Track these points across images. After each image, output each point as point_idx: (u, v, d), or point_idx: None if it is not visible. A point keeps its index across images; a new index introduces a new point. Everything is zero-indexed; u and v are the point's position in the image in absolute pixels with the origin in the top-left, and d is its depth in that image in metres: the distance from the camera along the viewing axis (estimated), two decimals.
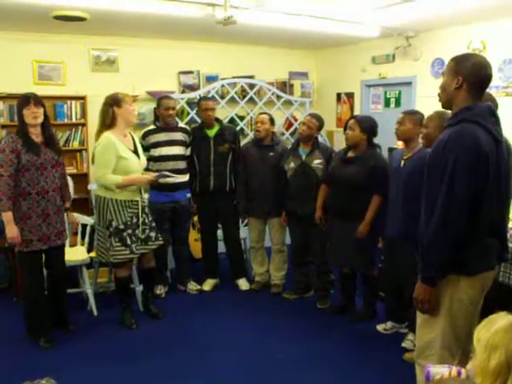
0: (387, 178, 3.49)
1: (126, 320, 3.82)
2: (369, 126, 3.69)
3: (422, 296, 2.13)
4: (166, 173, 3.92)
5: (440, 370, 1.51)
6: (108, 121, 3.54)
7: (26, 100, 3.28)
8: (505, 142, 2.17)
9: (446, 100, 2.16)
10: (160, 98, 4.33)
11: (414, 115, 3.38)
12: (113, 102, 3.54)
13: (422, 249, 2.11)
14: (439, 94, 2.20)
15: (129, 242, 3.63)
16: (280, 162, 4.22)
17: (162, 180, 3.92)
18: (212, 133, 4.39)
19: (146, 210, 3.79)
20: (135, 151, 3.66)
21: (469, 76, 2.05)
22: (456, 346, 2.15)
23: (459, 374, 1.45)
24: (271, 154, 4.33)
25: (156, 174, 3.83)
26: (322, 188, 3.97)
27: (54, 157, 3.42)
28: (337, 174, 3.78)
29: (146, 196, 3.95)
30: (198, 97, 5.38)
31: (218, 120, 4.48)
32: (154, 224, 3.82)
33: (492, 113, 2.09)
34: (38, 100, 3.31)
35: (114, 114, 3.53)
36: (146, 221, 3.75)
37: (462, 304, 2.11)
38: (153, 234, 3.78)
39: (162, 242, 3.91)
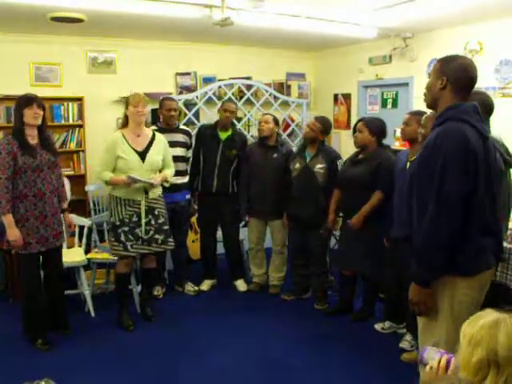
0: (392, 177, 3.49)
1: (123, 321, 3.81)
2: (377, 128, 3.70)
3: (417, 298, 2.12)
4: (136, 177, 3.60)
5: (433, 356, 1.52)
6: (123, 121, 3.81)
7: (28, 100, 3.28)
8: (497, 141, 2.18)
9: (431, 100, 2.18)
10: (162, 99, 4.37)
11: (419, 116, 3.35)
12: (125, 105, 3.76)
13: (416, 250, 2.10)
14: (425, 94, 2.22)
15: (123, 238, 3.65)
16: (287, 162, 4.24)
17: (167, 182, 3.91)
18: (224, 136, 4.42)
19: (157, 212, 3.78)
20: (143, 152, 3.69)
21: (453, 77, 2.07)
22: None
23: (448, 363, 1.45)
24: (275, 155, 4.34)
25: (128, 176, 3.60)
26: (335, 192, 3.97)
27: (51, 158, 3.42)
28: (345, 175, 3.80)
29: (160, 197, 3.86)
30: (196, 98, 5.42)
31: (232, 124, 4.51)
32: (165, 227, 3.81)
33: (476, 111, 2.09)
34: (40, 102, 3.33)
35: (126, 114, 3.73)
36: (153, 222, 3.75)
37: (462, 305, 2.08)
38: (159, 237, 3.77)
39: (170, 247, 3.91)
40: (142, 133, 3.75)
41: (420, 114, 3.41)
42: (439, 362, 1.46)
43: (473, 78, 2.11)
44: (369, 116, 4.06)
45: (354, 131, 3.84)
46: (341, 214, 4.06)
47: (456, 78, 2.07)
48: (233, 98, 5.58)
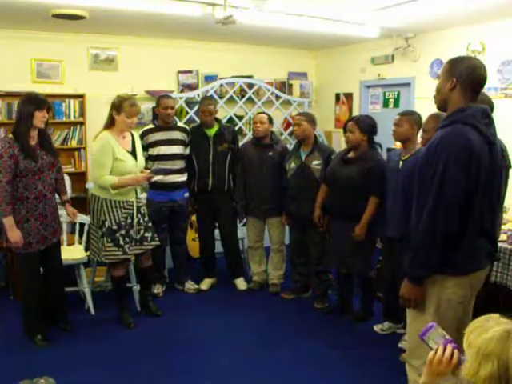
0: (384, 180, 3.49)
1: (123, 319, 3.82)
2: (368, 127, 3.68)
3: (408, 295, 2.17)
4: (161, 167, 3.92)
5: (436, 340, 1.50)
6: (108, 121, 3.61)
7: (42, 103, 3.26)
8: (498, 143, 2.18)
9: (441, 101, 2.18)
10: (159, 97, 4.33)
11: (410, 116, 3.37)
12: (115, 106, 3.56)
13: (411, 248, 2.13)
14: (435, 96, 2.23)
15: (121, 242, 3.63)
16: (283, 162, 4.23)
17: (159, 179, 3.92)
18: (211, 132, 4.39)
19: (142, 210, 3.77)
20: (133, 152, 3.66)
21: (462, 77, 2.07)
22: None
23: (452, 354, 1.42)
24: (270, 153, 4.33)
25: (151, 169, 3.81)
26: (321, 188, 3.97)
27: (50, 159, 3.40)
28: (336, 174, 3.77)
29: (143, 196, 3.93)
30: (197, 96, 5.40)
31: (217, 120, 4.48)
32: (150, 224, 3.81)
33: (486, 115, 2.09)
34: (50, 106, 3.32)
35: (113, 116, 3.58)
36: (142, 221, 3.74)
37: (450, 304, 2.12)
38: (148, 235, 3.77)
39: (158, 243, 3.90)
40: (126, 134, 3.69)
41: (410, 114, 3.42)
42: (443, 352, 1.43)
43: (482, 78, 2.11)
44: (359, 114, 4.06)
45: (345, 131, 3.84)
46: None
47: (465, 78, 2.07)
48: (234, 96, 5.58)
